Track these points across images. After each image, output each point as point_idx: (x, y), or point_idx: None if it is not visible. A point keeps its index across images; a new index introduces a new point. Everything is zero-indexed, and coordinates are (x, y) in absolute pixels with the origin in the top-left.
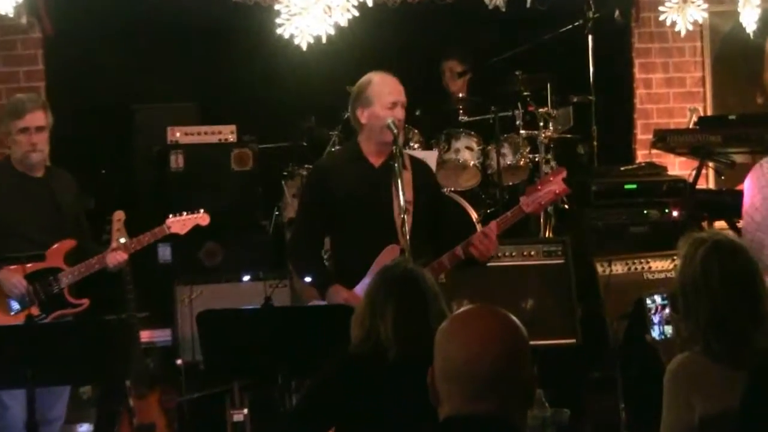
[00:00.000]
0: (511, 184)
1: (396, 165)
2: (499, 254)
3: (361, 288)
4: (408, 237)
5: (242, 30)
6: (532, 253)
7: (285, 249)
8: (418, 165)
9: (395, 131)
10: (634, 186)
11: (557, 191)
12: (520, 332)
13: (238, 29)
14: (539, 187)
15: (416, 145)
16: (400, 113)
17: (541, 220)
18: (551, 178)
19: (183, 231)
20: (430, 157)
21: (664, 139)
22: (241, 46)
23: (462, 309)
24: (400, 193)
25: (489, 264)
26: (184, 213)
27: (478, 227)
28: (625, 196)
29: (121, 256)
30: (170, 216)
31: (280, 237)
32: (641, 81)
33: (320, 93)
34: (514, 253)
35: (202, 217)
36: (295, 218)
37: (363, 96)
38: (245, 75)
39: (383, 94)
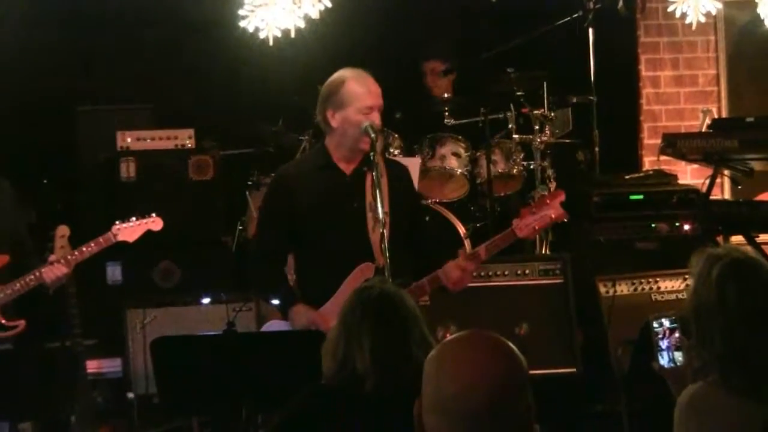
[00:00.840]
0: (503, 194)
1: (375, 174)
2: (490, 273)
3: (328, 309)
4: (387, 254)
5: (201, 22)
6: (527, 271)
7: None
8: (395, 169)
9: (373, 136)
10: (641, 196)
11: (553, 216)
12: (517, 361)
13: (197, 21)
14: (534, 210)
15: (397, 152)
16: (376, 118)
17: (537, 235)
18: (548, 201)
19: (132, 238)
20: (413, 165)
21: (674, 144)
22: (200, 40)
23: (454, 335)
24: (379, 205)
25: (478, 285)
26: (133, 218)
27: (466, 243)
28: (631, 208)
29: (60, 270)
30: (117, 222)
31: (244, 255)
32: (648, 79)
33: (289, 93)
34: (506, 272)
35: (153, 222)
36: (256, 231)
37: (335, 97)
38: (205, 73)
39: (359, 97)
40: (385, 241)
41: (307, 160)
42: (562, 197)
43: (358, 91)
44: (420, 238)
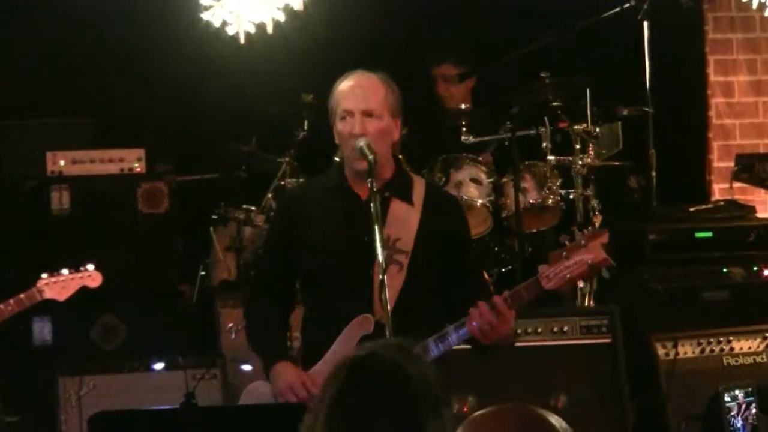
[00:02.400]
0: (535, 231)
1: (372, 206)
2: (518, 331)
3: (318, 370)
4: (390, 306)
5: (154, 15)
6: (565, 329)
7: (214, 324)
8: (437, 200)
9: (370, 157)
10: (709, 234)
11: (593, 261)
12: None
13: (149, 14)
14: (567, 254)
15: None
16: (357, 126)
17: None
18: (585, 243)
19: (63, 297)
20: None
21: (751, 168)
22: (152, 37)
23: (479, 412)
24: (378, 244)
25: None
26: (65, 271)
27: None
28: (697, 249)
29: None
30: (44, 276)
31: (206, 308)
32: (718, 86)
33: (264, 104)
34: (539, 330)
35: (90, 276)
36: (257, 263)
37: (329, 108)
38: (159, 79)
39: (338, 100)
40: (386, 290)
41: (320, 180)
42: (604, 238)
43: (338, 93)
44: (460, 293)
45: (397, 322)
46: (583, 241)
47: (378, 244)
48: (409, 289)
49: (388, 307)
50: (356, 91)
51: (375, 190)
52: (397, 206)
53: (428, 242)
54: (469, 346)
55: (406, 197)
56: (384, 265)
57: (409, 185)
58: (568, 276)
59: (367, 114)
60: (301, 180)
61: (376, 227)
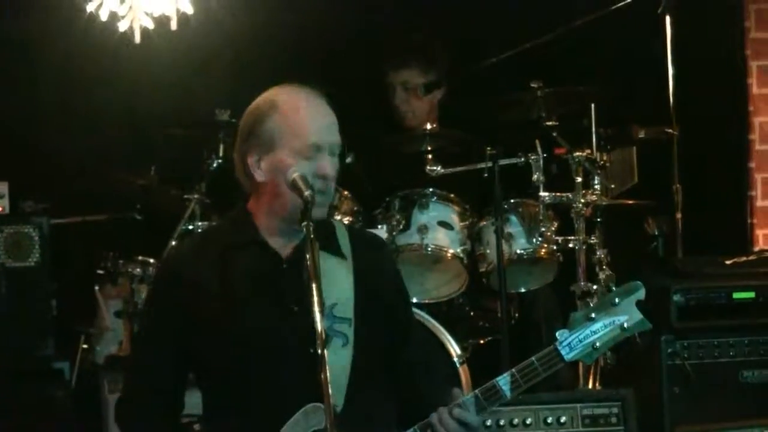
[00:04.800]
0: (524, 290)
1: (309, 258)
2: (502, 422)
3: None
4: (343, 391)
5: (22, 6)
6: (563, 419)
7: (99, 414)
8: (362, 245)
9: (306, 194)
10: (751, 294)
11: (628, 324)
12: None
13: (13, 4)
14: (592, 315)
15: (347, 220)
16: (327, 166)
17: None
18: (617, 300)
19: None
20: None
21: None
22: (18, 35)
23: None
24: (316, 308)
25: None
26: None
27: (462, 372)
28: (735, 315)
29: None
30: None
31: (90, 392)
32: (763, 101)
33: (166, 123)
34: (528, 420)
35: None
36: (131, 357)
37: (259, 132)
38: (27, 90)
39: (298, 128)
40: (326, 367)
41: (216, 234)
42: (640, 294)
43: (296, 119)
44: (406, 365)
45: (351, 411)
46: (615, 298)
47: (316, 308)
48: (360, 368)
49: (339, 392)
50: (323, 118)
51: (300, 243)
52: (325, 261)
53: (370, 305)
54: None
55: (333, 248)
56: (324, 335)
57: (332, 231)
58: (597, 343)
59: (334, 150)
60: (212, 223)
61: (314, 286)
